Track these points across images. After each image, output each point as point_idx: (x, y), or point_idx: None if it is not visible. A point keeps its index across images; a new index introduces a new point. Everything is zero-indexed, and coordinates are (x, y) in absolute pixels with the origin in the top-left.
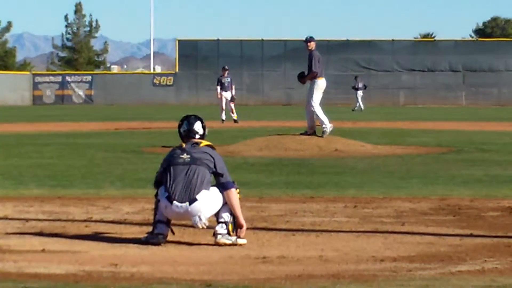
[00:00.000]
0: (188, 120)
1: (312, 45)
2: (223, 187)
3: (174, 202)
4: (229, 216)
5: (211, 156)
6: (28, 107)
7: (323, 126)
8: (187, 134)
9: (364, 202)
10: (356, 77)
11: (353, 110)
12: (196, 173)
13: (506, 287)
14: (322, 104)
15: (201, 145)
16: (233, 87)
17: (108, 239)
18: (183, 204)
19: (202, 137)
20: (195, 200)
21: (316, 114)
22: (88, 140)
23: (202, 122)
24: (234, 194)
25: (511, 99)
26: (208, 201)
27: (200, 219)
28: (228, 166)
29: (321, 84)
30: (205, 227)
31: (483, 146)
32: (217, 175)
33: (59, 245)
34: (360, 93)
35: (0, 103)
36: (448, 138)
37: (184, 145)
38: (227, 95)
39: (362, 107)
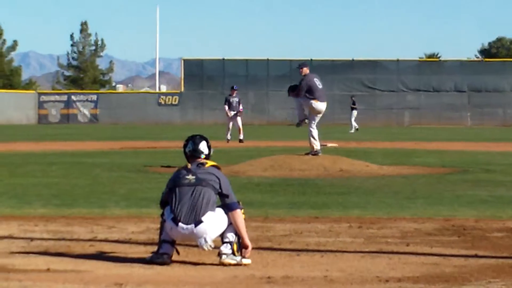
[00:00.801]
0: (193, 140)
1: (304, 70)
2: (228, 208)
3: (180, 224)
4: (234, 236)
5: (217, 177)
6: (33, 126)
7: (314, 150)
8: (193, 154)
9: (369, 223)
10: (352, 97)
11: (357, 130)
12: (201, 194)
13: None
14: (325, 122)
15: (207, 165)
16: (241, 107)
17: (113, 258)
18: (189, 226)
19: (208, 157)
20: (201, 222)
21: (309, 136)
22: (93, 160)
23: (207, 142)
24: (239, 215)
25: None
26: (213, 223)
27: (206, 241)
28: (233, 186)
29: (316, 106)
30: (210, 249)
31: (488, 166)
32: (222, 196)
33: (64, 265)
34: (355, 112)
35: (6, 122)
36: (453, 158)
37: (189, 165)
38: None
39: (355, 126)
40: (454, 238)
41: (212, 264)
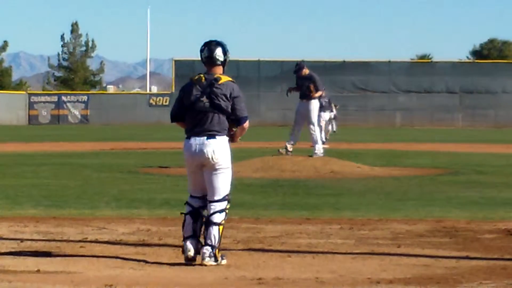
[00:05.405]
0: (209, 46)
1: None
2: (237, 123)
3: (192, 137)
4: (217, 237)
5: (228, 98)
6: (24, 126)
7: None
8: (208, 61)
9: (360, 224)
10: (329, 99)
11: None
12: (214, 119)
13: None
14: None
15: (221, 81)
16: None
17: (103, 259)
18: (201, 138)
19: (224, 63)
20: (214, 137)
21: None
22: (84, 160)
23: (223, 48)
24: (244, 128)
25: (508, 121)
26: (224, 149)
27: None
28: None
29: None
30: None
31: (480, 168)
32: (233, 110)
33: (54, 266)
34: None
35: None
36: (445, 160)
37: (203, 78)
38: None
39: (326, 136)
40: (446, 240)
41: (202, 265)
